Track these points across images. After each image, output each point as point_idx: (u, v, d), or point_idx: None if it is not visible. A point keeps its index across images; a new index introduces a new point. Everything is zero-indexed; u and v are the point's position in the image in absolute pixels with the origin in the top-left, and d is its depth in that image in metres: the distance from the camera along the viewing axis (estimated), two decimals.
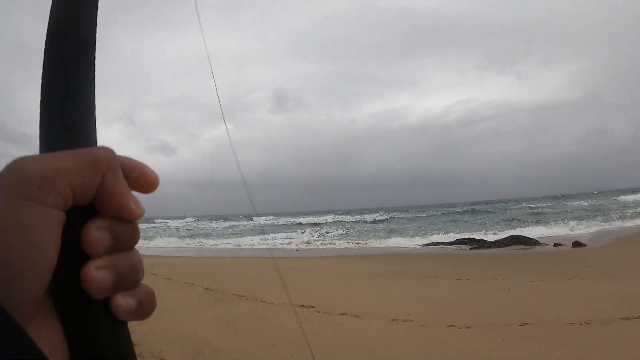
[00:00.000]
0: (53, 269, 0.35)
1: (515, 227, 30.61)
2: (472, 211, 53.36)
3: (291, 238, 32.98)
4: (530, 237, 22.13)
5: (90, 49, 0.46)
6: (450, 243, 23.93)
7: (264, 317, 7.12)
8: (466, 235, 26.38)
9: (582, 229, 26.42)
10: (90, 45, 0.46)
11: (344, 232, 35.40)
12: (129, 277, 0.40)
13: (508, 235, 23.56)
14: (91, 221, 0.38)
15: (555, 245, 19.45)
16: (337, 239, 30.26)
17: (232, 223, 61.19)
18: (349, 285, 10.14)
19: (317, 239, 31.61)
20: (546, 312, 7.03)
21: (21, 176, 0.33)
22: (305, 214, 78.93)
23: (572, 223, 29.94)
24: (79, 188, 0.36)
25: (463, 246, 22.59)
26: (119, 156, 0.41)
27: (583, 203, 53.53)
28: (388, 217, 51.31)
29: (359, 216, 60.07)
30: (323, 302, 8.09)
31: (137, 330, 6.18)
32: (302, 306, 7.79)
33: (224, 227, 52.49)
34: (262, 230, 42.16)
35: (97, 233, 0.37)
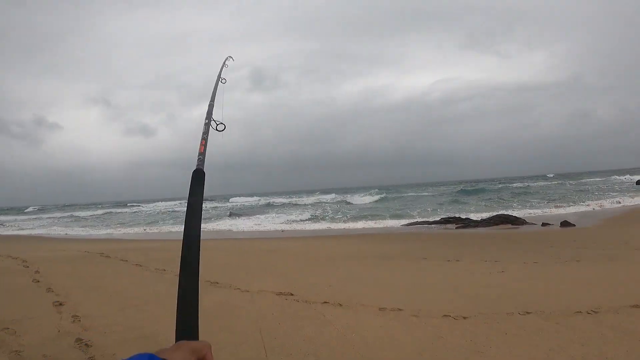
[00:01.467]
0: None
1: (500, 207, 30.28)
2: (457, 190, 53.16)
3: (272, 219, 32.23)
4: (517, 216, 21.68)
5: None
6: (435, 222, 23.38)
7: (236, 308, 6.36)
8: (451, 215, 25.92)
9: (566, 210, 26.15)
10: None
11: (328, 212, 34.65)
12: None
13: (495, 214, 23.03)
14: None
15: (543, 224, 18.99)
16: (319, 220, 29.51)
17: (214, 204, 60.19)
18: (331, 269, 9.41)
19: (299, 219, 30.84)
20: (548, 299, 6.38)
21: (189, 347, 0.99)
22: (287, 194, 78.03)
23: (556, 203, 29.78)
24: (201, 356, 0.99)
25: (448, 225, 22.07)
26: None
27: (566, 183, 53.68)
28: (372, 196, 50.66)
29: (342, 195, 59.44)
30: (303, 289, 7.35)
31: (93, 328, 5.39)
32: (280, 294, 7.03)
33: (204, 209, 51.67)
34: (242, 212, 41.36)
35: None
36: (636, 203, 27.05)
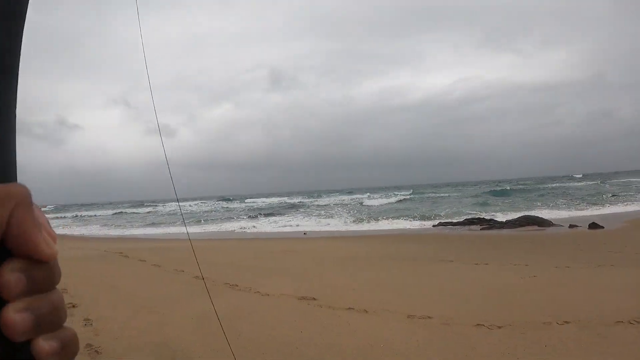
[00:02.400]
0: None
1: (525, 207, 29.62)
2: (481, 191, 52.40)
3: (290, 219, 32.00)
4: (543, 217, 21.10)
5: (15, 60, 0.42)
6: (459, 223, 22.88)
7: (255, 313, 6.10)
8: (474, 215, 25.40)
9: (592, 211, 25.46)
10: (14, 56, 0.42)
11: (349, 212, 34.30)
12: (50, 319, 0.38)
13: (520, 215, 22.43)
14: (4, 263, 0.36)
15: (571, 226, 18.42)
16: (341, 220, 29.16)
17: (232, 205, 60.31)
18: (355, 272, 9.10)
19: (319, 219, 30.57)
20: (586, 307, 5.99)
21: None
22: (307, 194, 77.86)
23: (583, 204, 29.00)
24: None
25: (473, 226, 21.56)
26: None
27: (589, 184, 52.39)
28: (392, 197, 50.18)
29: (363, 195, 59.04)
30: (326, 292, 7.07)
31: (105, 332, 5.19)
32: (302, 298, 6.76)
33: (224, 209, 51.54)
34: (261, 213, 41.31)
35: (11, 275, 0.36)
36: None
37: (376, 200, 46.26)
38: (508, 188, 54.60)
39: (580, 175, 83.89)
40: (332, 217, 31.53)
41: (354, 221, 27.56)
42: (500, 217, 24.17)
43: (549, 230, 18.53)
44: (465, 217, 24.54)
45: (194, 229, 28.23)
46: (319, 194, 74.69)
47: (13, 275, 0.36)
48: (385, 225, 24.59)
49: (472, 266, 9.44)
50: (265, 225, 28.43)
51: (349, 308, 6.11)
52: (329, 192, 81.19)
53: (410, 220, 25.98)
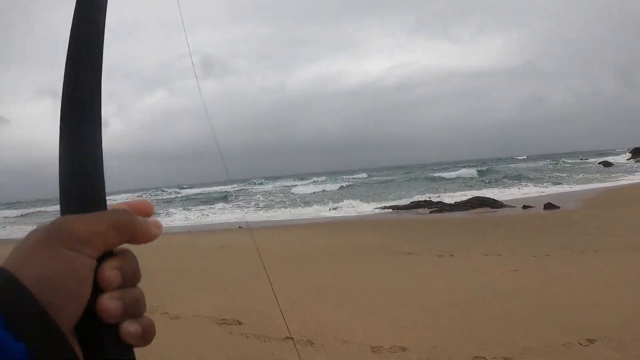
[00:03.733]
0: (86, 303, 0.46)
1: (470, 189, 28.87)
2: (420, 175, 51.80)
3: (228, 209, 29.76)
4: (494, 198, 20.09)
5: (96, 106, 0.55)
6: (405, 207, 21.55)
7: (150, 347, 4.16)
8: (420, 198, 24.24)
9: (541, 191, 24.95)
10: (95, 102, 0.55)
11: (289, 200, 32.36)
12: (134, 308, 0.49)
13: (470, 197, 21.36)
14: (105, 262, 0.48)
15: (525, 207, 17.35)
16: (279, 208, 27.20)
17: (166, 196, 56.99)
18: (295, 274, 7.28)
19: (255, 208, 28.62)
20: (605, 315, 4.45)
21: (71, 234, 0.46)
22: (246, 182, 75.19)
23: (530, 185, 28.51)
24: (110, 244, 0.49)
25: (420, 210, 20.28)
26: (125, 202, 0.55)
27: (525, 165, 53.00)
28: (335, 181, 48.70)
29: (301, 181, 57.19)
30: (257, 312, 5.19)
31: None
32: (223, 322, 4.86)
33: (158, 200, 48.33)
34: (196, 202, 38.71)
35: (111, 271, 0.48)
36: (607, 185, 25.98)
37: (318, 186, 44.55)
38: (447, 170, 54.45)
39: (525, 157, 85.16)
40: (272, 205, 29.47)
41: (294, 208, 25.69)
42: (448, 200, 23.10)
43: (502, 211, 17.43)
44: (411, 201, 23.28)
45: None
46: (259, 181, 71.85)
47: (112, 271, 0.48)
48: (327, 211, 22.84)
49: (435, 258, 7.85)
50: (199, 217, 26.07)
51: (288, 337, 4.28)
52: (268, 179, 78.43)
53: (354, 206, 24.52)
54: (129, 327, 0.48)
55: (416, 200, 23.27)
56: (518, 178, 33.35)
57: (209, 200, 38.64)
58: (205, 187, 68.84)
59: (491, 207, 18.59)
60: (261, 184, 62.39)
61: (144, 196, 56.08)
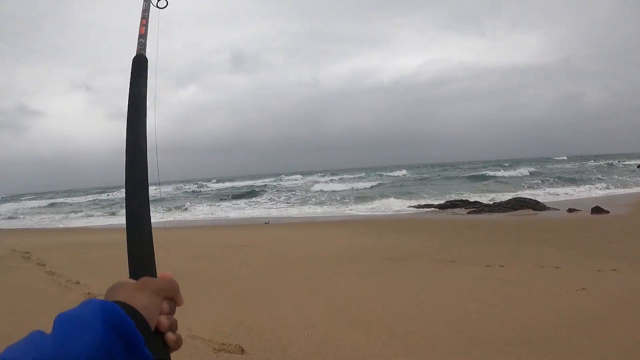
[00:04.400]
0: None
1: (508, 189, 27.51)
2: (456, 173, 50.35)
3: (256, 204, 29.12)
4: (537, 200, 18.85)
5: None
6: (441, 206, 20.50)
7: None
8: (456, 198, 23.09)
9: (583, 193, 23.59)
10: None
11: (320, 195, 31.53)
12: (174, 326, 0.78)
13: (511, 197, 20.15)
14: (164, 301, 0.78)
15: (570, 210, 16.13)
16: (310, 204, 26.41)
17: (192, 189, 56.89)
18: (317, 284, 6.38)
19: (284, 204, 27.88)
20: None
21: (152, 286, 0.77)
22: (276, 176, 74.64)
23: (572, 186, 27.01)
24: (170, 295, 0.80)
25: (456, 210, 19.22)
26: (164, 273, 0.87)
27: (565, 167, 50.59)
28: (369, 181, 47.67)
29: (333, 176, 56.33)
30: (264, 332, 4.35)
31: None
32: (221, 348, 3.97)
33: (187, 193, 48.11)
34: (225, 197, 38.20)
35: (166, 305, 0.78)
36: None
37: (351, 183, 43.56)
38: (482, 169, 52.67)
39: (564, 157, 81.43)
40: (303, 201, 28.74)
41: (325, 205, 24.86)
42: (485, 199, 21.93)
43: (545, 214, 16.26)
44: (446, 199, 22.17)
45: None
46: (290, 176, 71.15)
47: (167, 304, 0.78)
48: (361, 209, 21.89)
49: (484, 271, 6.87)
50: (227, 211, 25.51)
51: None
52: (299, 174, 77.57)
53: (388, 204, 23.51)
54: (171, 336, 0.76)
55: (452, 199, 22.19)
56: (560, 179, 31.77)
57: (238, 194, 38.15)
58: (236, 180, 68.73)
59: (533, 209, 17.42)
60: (293, 179, 61.45)
61: (183, 187, 56.28)
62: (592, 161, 58.08)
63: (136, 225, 0.94)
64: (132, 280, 0.79)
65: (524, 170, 39.31)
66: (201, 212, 25.87)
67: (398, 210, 20.51)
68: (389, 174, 54.77)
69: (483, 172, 42.07)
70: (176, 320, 0.80)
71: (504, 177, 36.77)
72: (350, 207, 22.77)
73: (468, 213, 17.66)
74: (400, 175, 50.90)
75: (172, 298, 0.81)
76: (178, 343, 0.78)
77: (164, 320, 0.76)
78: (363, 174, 58.35)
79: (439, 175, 45.96)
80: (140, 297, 0.73)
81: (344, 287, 6.16)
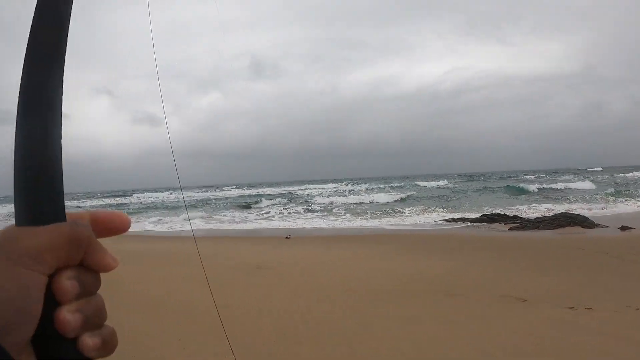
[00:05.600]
0: (39, 319, 0.42)
1: (545, 202, 25.72)
2: (486, 184, 48.51)
3: (275, 214, 27.61)
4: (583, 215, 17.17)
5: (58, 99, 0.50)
6: (476, 220, 18.97)
7: None
8: (491, 211, 21.53)
9: (619, 208, 21.85)
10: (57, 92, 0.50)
11: (344, 206, 29.78)
12: (95, 319, 0.46)
13: (557, 212, 18.48)
14: (61, 272, 0.44)
15: (623, 229, 14.47)
16: (337, 215, 24.81)
17: (213, 194, 55.94)
18: (356, 332, 5.03)
19: (309, 214, 26.25)
20: None
21: (20, 248, 0.42)
22: (299, 183, 73.47)
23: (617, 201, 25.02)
24: (64, 260, 0.44)
25: (494, 225, 17.65)
26: (90, 211, 0.51)
27: (597, 178, 47.70)
28: (394, 189, 46.05)
29: (360, 185, 54.76)
30: None
31: None
32: None
33: (204, 201, 46.98)
34: (247, 204, 36.91)
35: (67, 282, 0.44)
36: None
37: (375, 193, 41.96)
38: (511, 180, 50.59)
39: (600, 169, 77.51)
40: (327, 211, 26.80)
41: (353, 216, 23.18)
42: (525, 214, 20.30)
43: (596, 232, 14.66)
44: (482, 213, 20.62)
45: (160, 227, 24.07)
46: (311, 185, 69.49)
47: (69, 281, 0.44)
48: (391, 221, 20.34)
49: (567, 315, 5.40)
50: (243, 220, 24.14)
51: None
52: (322, 182, 75.89)
53: (416, 216, 22.05)
54: (88, 340, 0.45)
55: (488, 212, 20.63)
56: (597, 192, 29.73)
57: (254, 202, 36.65)
58: (257, 187, 67.57)
59: (582, 226, 15.77)
60: (315, 187, 59.83)
61: (208, 192, 55.39)
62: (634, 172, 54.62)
63: (33, 125, 0.49)
64: (40, 229, 0.44)
65: (560, 184, 36.52)
66: (211, 220, 24.54)
67: (431, 225, 18.96)
68: (419, 183, 52.71)
69: (519, 185, 39.17)
70: (100, 305, 0.47)
71: (542, 189, 34.22)
72: (379, 219, 21.21)
73: (510, 229, 16.07)
74: (430, 185, 48.81)
75: (83, 260, 0.46)
76: (107, 346, 0.47)
77: (65, 316, 0.44)
78: (386, 184, 56.52)
79: (470, 187, 43.99)
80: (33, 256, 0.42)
81: (391, 341, 4.74)
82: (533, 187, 34.57)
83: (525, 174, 68.21)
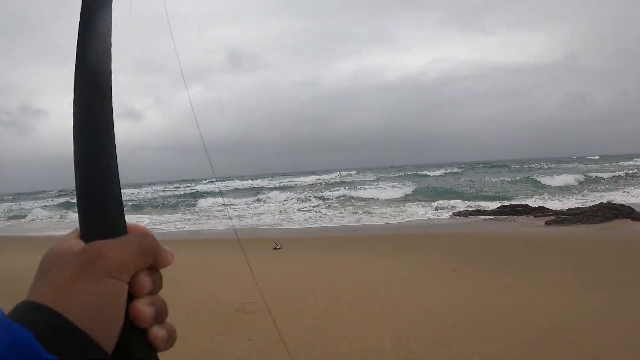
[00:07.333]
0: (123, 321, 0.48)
1: (573, 193, 23.01)
2: (495, 172, 45.97)
3: (264, 210, 24.17)
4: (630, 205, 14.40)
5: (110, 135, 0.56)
6: (495, 212, 16.15)
7: None
8: (503, 201, 18.83)
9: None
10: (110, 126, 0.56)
11: (339, 200, 25.87)
12: (163, 313, 0.52)
13: (597, 202, 15.66)
14: (138, 273, 0.51)
15: None
16: (326, 210, 21.30)
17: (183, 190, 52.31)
18: None
19: (306, 211, 21.98)
20: None
21: (107, 262, 0.48)
22: (285, 175, 70.28)
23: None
24: (141, 267, 0.51)
25: (521, 218, 14.85)
26: (138, 226, 0.58)
27: (589, 167, 44.97)
28: (396, 179, 43.08)
29: (351, 178, 51.46)
30: None
31: None
32: None
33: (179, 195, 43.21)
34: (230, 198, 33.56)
35: (144, 278, 0.51)
36: None
37: (368, 187, 38.85)
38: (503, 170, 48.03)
39: (597, 157, 74.56)
40: (319, 207, 22.84)
41: (350, 211, 19.74)
42: (550, 205, 17.51)
43: None
44: (500, 204, 17.73)
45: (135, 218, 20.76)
46: (297, 178, 65.23)
47: (145, 278, 0.51)
48: (392, 214, 17.07)
49: None
50: (219, 218, 20.82)
51: None
52: (309, 174, 71.57)
53: (417, 205, 19.30)
54: (158, 331, 0.50)
55: (507, 203, 17.78)
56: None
57: (240, 195, 33.14)
58: (240, 179, 63.61)
59: (631, 219, 13.03)
60: (301, 180, 55.56)
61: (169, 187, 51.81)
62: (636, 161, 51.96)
63: (93, 143, 0.54)
64: (76, 247, 0.50)
65: (568, 177, 31.22)
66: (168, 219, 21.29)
67: (449, 219, 16.03)
68: (420, 172, 49.08)
69: (529, 175, 34.39)
70: (164, 301, 0.54)
71: (550, 183, 29.74)
72: (378, 214, 18.07)
73: (547, 224, 13.23)
74: (431, 174, 45.21)
75: (153, 264, 0.53)
76: (171, 340, 0.53)
77: (143, 308, 0.50)
78: (379, 174, 53.06)
79: (468, 176, 41.21)
80: (78, 292, 0.46)
81: None
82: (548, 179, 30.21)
83: (537, 162, 65.58)
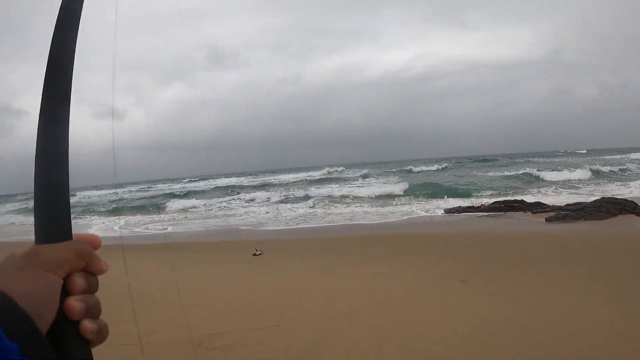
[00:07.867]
0: (57, 310, 0.57)
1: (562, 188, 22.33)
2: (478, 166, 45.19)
3: (236, 208, 23.21)
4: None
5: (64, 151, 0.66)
6: (489, 208, 15.28)
7: None
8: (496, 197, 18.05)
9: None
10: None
11: (324, 197, 24.84)
12: (94, 310, 0.61)
13: (599, 196, 14.85)
14: (75, 273, 0.60)
15: None
16: (318, 208, 20.48)
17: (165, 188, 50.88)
18: None
19: (286, 208, 21.35)
20: None
21: (45, 259, 0.58)
22: (270, 173, 68.91)
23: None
24: (74, 267, 0.60)
25: (518, 214, 14.02)
26: (85, 235, 0.66)
27: (580, 160, 44.15)
28: (369, 173, 42.03)
29: (336, 169, 50.20)
30: None
31: None
32: None
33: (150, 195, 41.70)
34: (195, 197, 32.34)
35: (78, 279, 0.60)
36: None
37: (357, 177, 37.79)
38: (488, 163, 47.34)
39: (585, 151, 73.55)
40: (304, 205, 21.96)
41: (341, 209, 18.85)
42: (546, 199, 16.70)
43: None
44: (494, 200, 16.85)
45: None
46: (285, 172, 63.73)
47: (79, 279, 0.60)
48: (384, 212, 16.19)
49: None
50: (190, 220, 19.85)
51: None
52: (291, 171, 69.57)
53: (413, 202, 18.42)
54: (88, 324, 0.58)
55: (502, 199, 16.89)
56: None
57: (222, 193, 31.90)
58: (221, 177, 61.90)
59: (636, 214, 12.24)
60: (285, 177, 53.95)
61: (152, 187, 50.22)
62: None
63: (49, 159, 0.64)
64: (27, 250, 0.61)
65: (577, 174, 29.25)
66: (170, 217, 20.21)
67: (442, 217, 15.14)
68: (409, 167, 47.78)
69: (524, 170, 32.77)
70: (98, 301, 0.63)
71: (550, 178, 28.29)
72: (376, 214, 17.01)
73: (547, 220, 12.38)
74: (417, 170, 44.10)
75: (87, 267, 0.63)
76: (101, 334, 0.61)
77: (73, 303, 0.59)
78: (367, 170, 51.66)
79: (457, 171, 40.37)
80: (20, 280, 0.56)
81: None
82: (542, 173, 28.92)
83: (526, 157, 64.95)
